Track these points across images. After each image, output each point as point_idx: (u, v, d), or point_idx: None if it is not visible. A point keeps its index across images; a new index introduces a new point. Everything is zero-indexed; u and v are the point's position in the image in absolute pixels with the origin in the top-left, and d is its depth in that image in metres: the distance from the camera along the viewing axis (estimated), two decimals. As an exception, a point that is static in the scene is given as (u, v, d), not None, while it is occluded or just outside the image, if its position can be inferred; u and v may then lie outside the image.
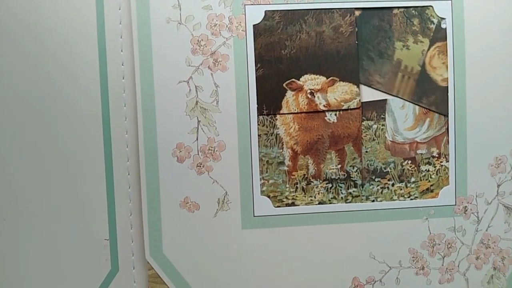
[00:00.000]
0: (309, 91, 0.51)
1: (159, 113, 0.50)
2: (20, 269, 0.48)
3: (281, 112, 0.51)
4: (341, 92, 0.52)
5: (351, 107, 0.52)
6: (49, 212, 0.49)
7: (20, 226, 0.48)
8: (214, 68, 0.50)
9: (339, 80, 0.52)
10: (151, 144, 0.50)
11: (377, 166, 0.53)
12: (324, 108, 0.52)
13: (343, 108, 0.52)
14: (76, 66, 0.49)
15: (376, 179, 0.53)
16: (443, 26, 0.49)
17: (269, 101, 0.51)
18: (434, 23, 0.52)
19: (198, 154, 0.51)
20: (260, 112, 0.51)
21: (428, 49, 0.52)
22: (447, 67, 0.52)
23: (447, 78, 0.52)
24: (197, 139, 0.51)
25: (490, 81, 0.52)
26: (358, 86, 0.52)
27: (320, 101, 0.52)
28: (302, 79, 0.51)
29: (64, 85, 0.49)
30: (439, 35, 0.52)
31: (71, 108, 0.49)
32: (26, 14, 0.48)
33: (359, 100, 0.52)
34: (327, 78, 0.51)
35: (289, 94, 0.51)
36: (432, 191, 0.53)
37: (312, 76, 0.51)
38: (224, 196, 0.51)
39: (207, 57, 0.50)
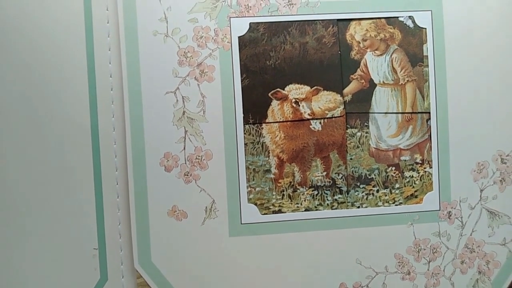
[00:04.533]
0: (293, 100, 0.53)
1: (147, 123, 0.51)
2: (9, 278, 0.49)
3: (266, 121, 0.52)
4: (325, 101, 0.53)
5: (335, 116, 0.53)
6: (38, 221, 0.49)
7: (7, 235, 0.48)
8: (201, 79, 0.51)
9: (323, 90, 0.53)
10: (139, 153, 0.51)
11: (361, 172, 0.54)
12: (308, 117, 0.53)
13: (327, 116, 0.53)
14: (65, 78, 0.50)
15: (361, 186, 0.53)
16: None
17: (255, 110, 0.52)
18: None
19: (185, 163, 0.51)
20: (246, 121, 0.52)
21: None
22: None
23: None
24: (184, 148, 0.51)
25: (472, 88, 0.54)
26: (341, 95, 0.53)
27: (304, 110, 0.53)
28: (287, 88, 0.52)
29: (52, 97, 0.50)
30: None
31: (60, 119, 0.50)
32: (16, 22, 0.49)
33: (343, 108, 0.53)
34: (311, 88, 0.53)
35: (275, 103, 0.52)
36: (416, 196, 0.54)
37: (297, 85, 0.53)
38: (212, 204, 0.52)
39: (194, 68, 0.51)
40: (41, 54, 0.50)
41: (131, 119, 0.51)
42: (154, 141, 0.51)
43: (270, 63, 0.52)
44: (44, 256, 0.50)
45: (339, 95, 0.53)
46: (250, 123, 0.52)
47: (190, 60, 0.51)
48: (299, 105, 0.53)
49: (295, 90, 0.53)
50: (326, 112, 0.53)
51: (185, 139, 0.51)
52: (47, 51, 0.50)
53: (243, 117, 0.52)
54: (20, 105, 0.49)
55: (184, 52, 0.51)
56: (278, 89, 0.52)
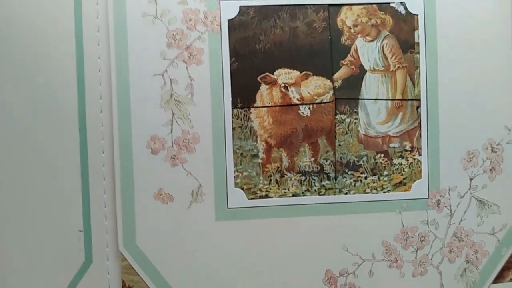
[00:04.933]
0: (283, 85, 0.52)
1: (134, 106, 0.50)
2: (-7, 259, 0.49)
3: (255, 105, 0.52)
4: (314, 86, 0.52)
5: (325, 101, 0.53)
6: (23, 203, 0.49)
7: (-7, 217, 0.48)
8: (189, 62, 0.51)
9: (313, 75, 0.52)
10: (126, 136, 0.51)
11: (350, 159, 0.53)
12: (297, 102, 0.52)
13: (317, 101, 0.52)
14: (52, 59, 0.50)
15: (349, 172, 0.53)
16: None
17: (243, 95, 0.52)
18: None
19: (172, 146, 0.51)
20: (234, 105, 0.52)
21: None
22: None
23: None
24: (171, 131, 0.51)
25: (463, 76, 0.53)
26: (331, 81, 0.52)
27: (293, 95, 0.52)
28: (276, 73, 0.52)
29: (40, 77, 0.50)
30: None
31: (47, 100, 0.50)
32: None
33: (332, 94, 0.53)
34: (300, 72, 0.52)
35: (263, 87, 0.52)
36: (405, 184, 0.54)
37: (286, 70, 0.52)
38: (198, 188, 0.51)
39: (182, 51, 0.51)
40: (27, 34, 0.49)
41: (118, 101, 0.50)
42: (141, 124, 0.51)
43: (260, 47, 0.52)
44: (27, 237, 0.49)
45: (328, 81, 0.52)
46: (239, 107, 0.52)
47: (179, 42, 0.51)
48: (288, 90, 0.52)
49: (284, 75, 0.52)
50: (315, 97, 0.53)
51: (172, 122, 0.51)
52: (34, 31, 0.49)
53: (232, 101, 0.51)
54: (4, 87, 0.49)
55: (173, 34, 0.51)
56: (267, 74, 0.52)
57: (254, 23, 0.52)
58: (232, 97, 0.51)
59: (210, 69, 0.51)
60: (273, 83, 0.52)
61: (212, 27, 0.51)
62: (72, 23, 0.50)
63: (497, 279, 0.55)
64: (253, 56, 0.52)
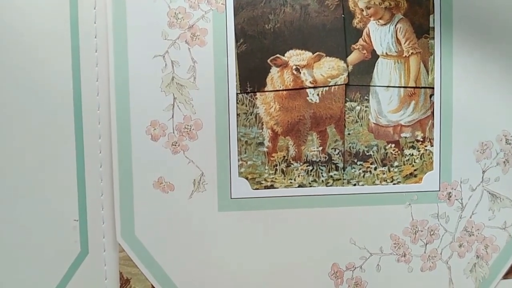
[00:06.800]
0: (294, 67, 0.49)
1: (133, 89, 0.48)
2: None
3: (265, 89, 0.49)
4: (327, 67, 0.50)
5: (338, 83, 0.50)
6: (16, 191, 0.47)
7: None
8: (192, 43, 0.48)
9: (326, 56, 0.50)
10: (124, 121, 0.48)
11: (359, 149, 0.51)
12: (310, 85, 0.50)
13: (330, 84, 0.50)
14: (46, 37, 0.47)
15: (358, 163, 0.51)
16: None
17: (253, 78, 0.49)
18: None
19: (173, 133, 0.49)
20: (243, 90, 0.49)
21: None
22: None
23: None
24: (172, 116, 0.49)
25: (479, 64, 0.51)
26: (345, 62, 0.50)
27: (306, 78, 0.50)
28: (287, 54, 0.49)
29: (33, 57, 0.46)
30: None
31: (40, 82, 0.47)
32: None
33: (347, 75, 0.50)
34: (313, 54, 0.49)
35: (274, 70, 0.49)
36: (415, 176, 0.52)
37: (298, 51, 0.49)
38: (200, 177, 0.49)
39: (185, 31, 0.48)
40: (21, 13, 0.46)
41: (116, 84, 0.48)
42: (140, 108, 0.48)
43: (269, 27, 0.49)
44: (22, 227, 0.47)
45: (342, 62, 0.50)
46: (248, 92, 0.49)
47: (181, 22, 0.48)
48: (300, 73, 0.49)
49: (295, 56, 0.49)
50: (329, 79, 0.50)
51: (173, 106, 0.48)
52: (28, 9, 0.46)
53: (240, 85, 0.49)
54: (3, 71, 0.46)
55: (175, 13, 0.48)
56: (278, 55, 0.49)
57: (263, 1, 0.49)
58: (240, 81, 0.49)
59: (214, 51, 0.48)
60: (284, 65, 0.49)
61: (217, 6, 0.48)
62: (67, 0, 0.47)
63: (507, 275, 0.53)
64: (262, 37, 0.49)
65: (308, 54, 0.49)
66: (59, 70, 0.47)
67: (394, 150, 0.51)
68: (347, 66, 0.49)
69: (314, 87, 0.49)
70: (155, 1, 0.48)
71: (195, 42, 0.48)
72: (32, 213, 0.47)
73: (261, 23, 0.49)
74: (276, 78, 0.49)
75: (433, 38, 0.51)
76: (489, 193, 0.52)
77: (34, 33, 0.47)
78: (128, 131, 0.48)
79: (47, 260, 0.48)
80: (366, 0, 0.50)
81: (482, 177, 0.52)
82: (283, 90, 0.49)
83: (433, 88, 0.51)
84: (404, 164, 0.51)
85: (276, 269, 0.50)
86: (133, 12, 0.47)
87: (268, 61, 0.49)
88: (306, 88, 0.49)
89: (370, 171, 0.51)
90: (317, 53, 0.49)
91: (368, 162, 0.51)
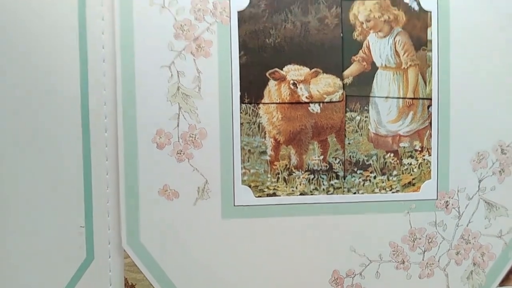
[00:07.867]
0: (292, 81, 0.51)
1: (139, 98, 0.49)
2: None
3: (262, 101, 0.51)
4: (324, 84, 0.51)
5: (334, 100, 0.51)
6: (23, 197, 0.47)
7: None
8: (197, 54, 0.49)
9: (323, 72, 0.51)
10: (131, 129, 0.49)
11: (359, 158, 0.52)
12: (306, 100, 0.51)
13: (326, 100, 0.51)
14: (55, 47, 0.48)
15: (358, 171, 0.52)
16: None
17: (251, 90, 0.50)
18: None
19: (178, 141, 0.50)
20: (242, 100, 0.50)
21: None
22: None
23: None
24: (178, 125, 0.50)
25: (476, 76, 0.52)
26: (341, 79, 0.51)
27: (302, 92, 0.51)
28: (285, 69, 0.51)
29: (41, 66, 0.47)
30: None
31: (49, 90, 0.48)
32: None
33: (342, 93, 0.51)
34: (310, 69, 0.51)
35: (272, 83, 0.51)
36: (413, 184, 0.53)
37: (296, 66, 0.51)
38: (204, 185, 0.50)
39: (190, 42, 0.49)
40: (30, 22, 0.47)
41: (123, 93, 0.49)
42: (146, 117, 0.49)
43: (270, 41, 0.50)
44: (28, 233, 0.48)
45: (338, 79, 0.51)
46: (246, 103, 0.50)
47: (187, 33, 0.49)
48: (297, 87, 0.51)
49: (293, 71, 0.51)
50: (325, 96, 0.51)
51: (179, 116, 0.49)
52: (37, 19, 0.47)
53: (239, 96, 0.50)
54: (7, 76, 0.47)
55: (181, 25, 0.49)
56: (276, 69, 0.50)
57: (265, 16, 0.50)
58: (240, 91, 0.50)
59: (218, 62, 0.50)
60: (282, 79, 0.51)
61: (221, 18, 0.50)
62: (76, 11, 0.48)
63: (503, 282, 0.54)
64: (262, 50, 0.50)
65: (305, 70, 0.51)
66: (68, 80, 0.48)
67: (393, 159, 0.53)
68: (344, 82, 0.51)
69: (310, 103, 0.51)
70: (162, 13, 0.49)
71: (200, 53, 0.49)
72: (39, 219, 0.48)
73: (262, 37, 0.50)
74: (274, 91, 0.50)
75: (431, 50, 0.52)
76: (485, 202, 0.54)
77: (42, 46, 0.48)
78: (134, 139, 0.49)
79: (53, 266, 0.49)
80: (366, 14, 0.51)
81: (479, 186, 0.53)
82: (279, 103, 0.50)
83: (430, 99, 0.52)
84: (403, 173, 0.53)
85: (278, 275, 0.51)
86: (140, 23, 0.49)
87: (267, 74, 0.50)
88: (302, 103, 0.51)
89: (369, 180, 0.52)
90: (315, 69, 0.51)
91: (368, 171, 0.52)
